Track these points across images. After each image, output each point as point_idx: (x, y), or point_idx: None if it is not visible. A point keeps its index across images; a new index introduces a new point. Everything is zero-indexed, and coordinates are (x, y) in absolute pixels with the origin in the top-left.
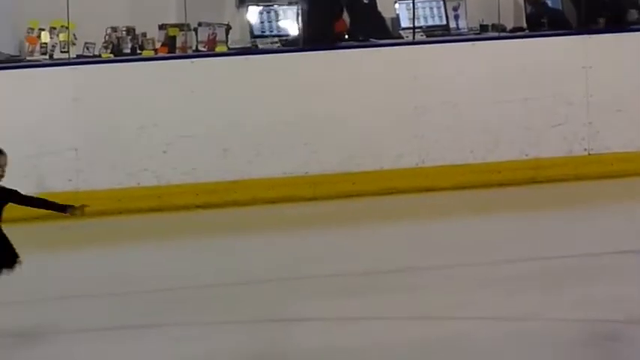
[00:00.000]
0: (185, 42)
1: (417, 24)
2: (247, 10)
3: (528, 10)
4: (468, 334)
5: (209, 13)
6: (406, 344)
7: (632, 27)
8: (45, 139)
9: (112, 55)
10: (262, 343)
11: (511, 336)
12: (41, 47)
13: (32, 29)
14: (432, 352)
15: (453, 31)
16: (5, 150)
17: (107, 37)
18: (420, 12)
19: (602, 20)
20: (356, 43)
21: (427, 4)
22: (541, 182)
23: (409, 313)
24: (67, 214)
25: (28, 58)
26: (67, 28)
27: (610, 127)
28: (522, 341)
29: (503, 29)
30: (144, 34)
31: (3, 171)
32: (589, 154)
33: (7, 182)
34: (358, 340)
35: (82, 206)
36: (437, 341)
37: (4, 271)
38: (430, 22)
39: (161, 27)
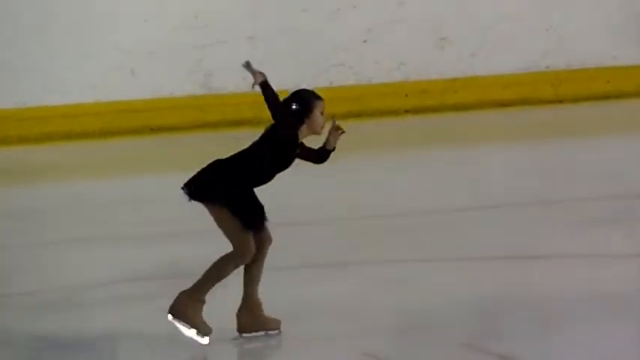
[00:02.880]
0: None
1: None
2: None
3: None
4: None
5: None
6: None
7: None
8: (212, 26)
9: None
10: (487, 287)
11: None
12: None
13: None
14: None
15: None
16: (165, 40)
17: None
18: None
19: None
20: None
21: None
22: None
23: None
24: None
25: None
26: None
27: None
28: None
29: None
30: None
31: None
32: None
33: (168, 79)
34: (617, 284)
35: (334, 131)
36: None
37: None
38: None
39: None
